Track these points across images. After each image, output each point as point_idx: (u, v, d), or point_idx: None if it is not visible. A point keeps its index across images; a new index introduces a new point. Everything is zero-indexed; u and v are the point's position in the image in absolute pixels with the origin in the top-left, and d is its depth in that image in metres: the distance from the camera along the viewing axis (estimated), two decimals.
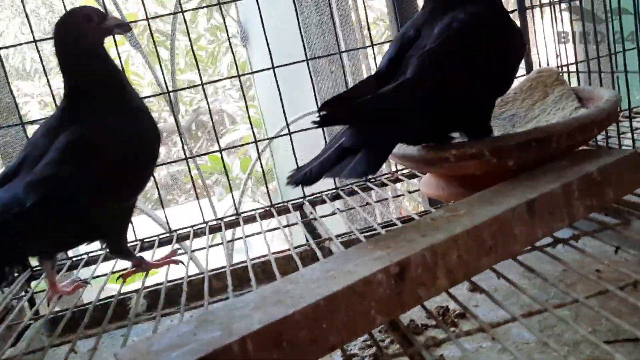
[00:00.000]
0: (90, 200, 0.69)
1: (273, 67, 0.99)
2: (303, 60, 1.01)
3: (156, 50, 0.99)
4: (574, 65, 0.98)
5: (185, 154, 1.07)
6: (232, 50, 1.06)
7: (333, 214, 0.92)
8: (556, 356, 0.55)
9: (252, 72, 0.98)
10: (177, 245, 0.95)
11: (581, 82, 0.99)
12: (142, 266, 0.78)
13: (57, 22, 0.74)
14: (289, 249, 0.82)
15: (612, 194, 0.66)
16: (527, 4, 1.06)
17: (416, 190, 0.97)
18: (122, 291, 0.79)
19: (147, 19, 0.96)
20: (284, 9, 1.23)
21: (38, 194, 0.65)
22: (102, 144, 0.71)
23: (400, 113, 0.68)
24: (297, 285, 0.51)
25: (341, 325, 0.48)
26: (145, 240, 1.00)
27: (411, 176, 1.03)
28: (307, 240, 0.91)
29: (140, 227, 1.05)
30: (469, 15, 0.73)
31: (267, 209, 1.03)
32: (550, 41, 1.01)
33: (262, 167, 1.33)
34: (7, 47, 1.03)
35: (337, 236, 0.81)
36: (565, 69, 0.99)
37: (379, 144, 0.65)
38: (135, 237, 1.01)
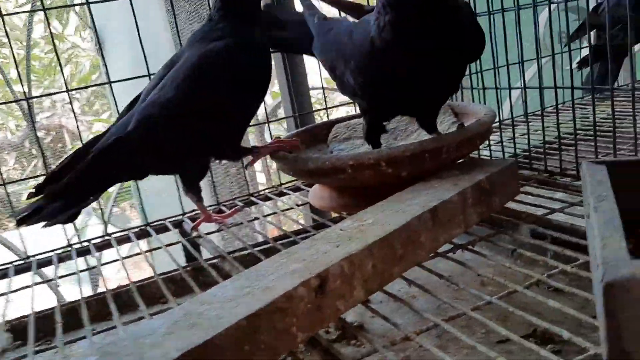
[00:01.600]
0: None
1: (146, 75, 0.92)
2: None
3: (13, 55, 0.87)
4: None
5: (46, 168, 0.94)
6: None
7: (219, 230, 0.87)
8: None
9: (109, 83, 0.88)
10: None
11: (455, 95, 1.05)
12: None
13: None
14: (177, 269, 0.76)
15: (498, 201, 0.70)
16: None
17: (305, 204, 0.95)
18: None
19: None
20: (149, 12, 1.16)
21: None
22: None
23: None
24: (212, 306, 0.46)
25: (264, 346, 0.44)
26: None
27: (295, 189, 1.02)
28: (187, 261, 0.85)
29: None
30: (198, 57, 0.73)
31: (143, 227, 0.94)
32: None
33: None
34: None
35: (229, 254, 0.77)
36: None
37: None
38: None
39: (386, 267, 0.55)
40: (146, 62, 0.91)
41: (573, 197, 0.72)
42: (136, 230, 0.94)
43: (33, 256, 0.89)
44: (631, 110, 0.72)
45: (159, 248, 0.83)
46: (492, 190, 0.69)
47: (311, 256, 0.53)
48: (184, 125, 0.71)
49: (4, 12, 0.85)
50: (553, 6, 0.87)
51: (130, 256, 0.84)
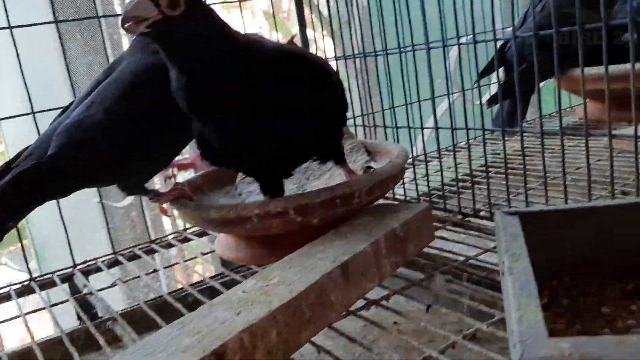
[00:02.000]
0: None
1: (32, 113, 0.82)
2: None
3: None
4: (360, 118, 1.01)
5: None
6: None
7: (113, 285, 0.78)
8: None
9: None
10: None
11: (367, 132, 1.03)
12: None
13: None
14: (59, 335, 0.66)
15: (413, 248, 0.67)
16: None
17: (211, 252, 0.88)
18: None
19: None
20: (39, 43, 1.06)
21: None
22: None
23: None
24: None
25: None
26: None
27: (201, 234, 0.94)
28: (79, 321, 0.76)
29: None
30: (131, 74, 0.67)
31: (26, 283, 0.84)
32: None
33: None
34: None
35: (121, 314, 0.68)
36: (351, 121, 1.02)
37: None
38: None
39: (293, 334, 0.50)
40: (30, 99, 0.82)
41: (487, 241, 0.70)
42: (18, 286, 0.83)
43: None
44: (540, 146, 0.71)
45: (42, 309, 0.73)
46: (407, 237, 0.65)
47: (207, 327, 0.47)
48: (110, 153, 0.66)
49: None
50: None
51: (8, 319, 0.73)
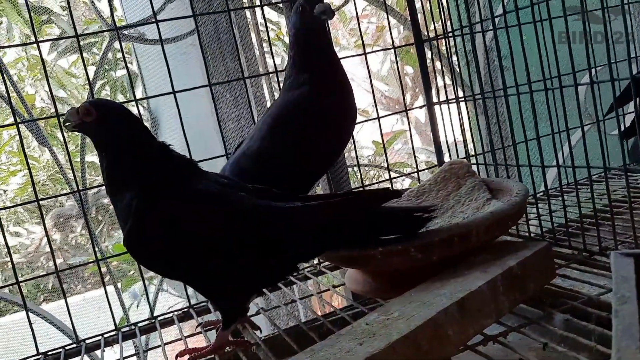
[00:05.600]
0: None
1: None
2: (222, 155, 0.99)
3: (67, 151, 0.94)
4: (482, 156, 1.04)
5: (95, 254, 0.99)
6: None
7: (257, 313, 0.89)
8: None
9: None
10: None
11: (489, 170, 1.05)
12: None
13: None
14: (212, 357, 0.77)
15: (532, 286, 0.68)
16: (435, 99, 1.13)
17: (341, 285, 0.96)
18: None
19: None
20: (198, 99, 1.23)
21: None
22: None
23: None
24: None
25: None
26: (48, 354, 0.91)
27: (333, 268, 1.02)
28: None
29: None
30: (277, 107, 0.87)
31: (186, 309, 0.97)
32: (458, 133, 1.07)
33: None
34: None
35: (264, 339, 0.78)
36: (473, 159, 1.05)
37: None
38: (37, 350, 0.91)
39: None
40: (189, 149, 0.96)
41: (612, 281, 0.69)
42: (179, 312, 0.96)
43: (83, 340, 0.93)
44: None
45: (198, 333, 0.85)
46: (526, 275, 0.67)
47: (334, 355, 0.54)
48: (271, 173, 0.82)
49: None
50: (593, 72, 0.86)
51: (172, 342, 0.86)
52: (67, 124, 0.73)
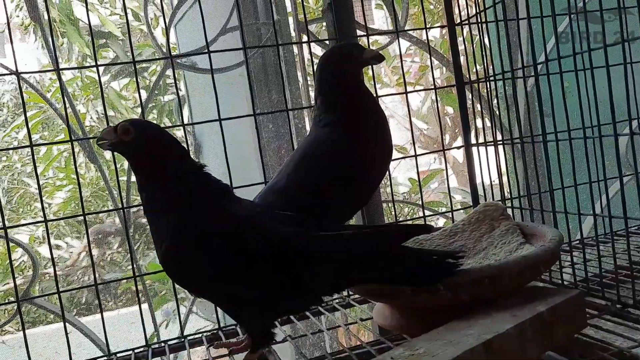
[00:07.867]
0: None
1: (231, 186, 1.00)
2: (260, 183, 1.02)
3: (115, 169, 0.99)
4: (517, 200, 1.04)
5: (134, 270, 1.02)
6: None
7: (284, 340, 0.90)
8: None
9: None
10: None
11: (524, 215, 1.04)
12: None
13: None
14: None
15: (562, 334, 0.68)
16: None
17: (369, 319, 0.96)
18: None
19: None
20: (241, 128, 1.28)
21: None
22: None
23: None
24: None
25: None
26: None
27: (362, 301, 1.03)
28: None
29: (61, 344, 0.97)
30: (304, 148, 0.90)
31: (215, 331, 0.99)
32: (494, 176, 1.07)
33: None
34: None
35: None
36: (508, 202, 1.05)
37: None
38: (71, 359, 0.94)
39: None
40: (230, 177, 0.99)
41: None
42: (207, 334, 0.98)
43: (115, 353, 0.96)
44: None
45: (226, 355, 0.86)
46: (556, 322, 0.67)
47: None
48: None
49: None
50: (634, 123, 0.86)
51: None
52: (101, 142, 0.74)
